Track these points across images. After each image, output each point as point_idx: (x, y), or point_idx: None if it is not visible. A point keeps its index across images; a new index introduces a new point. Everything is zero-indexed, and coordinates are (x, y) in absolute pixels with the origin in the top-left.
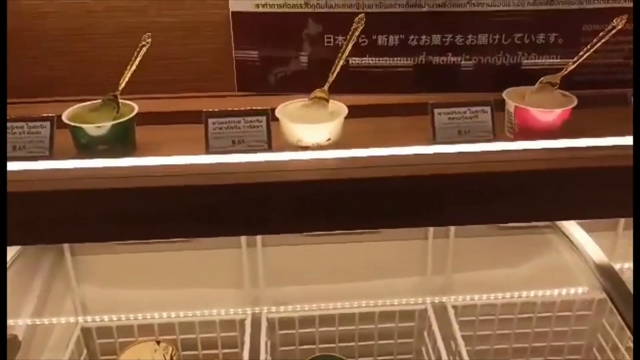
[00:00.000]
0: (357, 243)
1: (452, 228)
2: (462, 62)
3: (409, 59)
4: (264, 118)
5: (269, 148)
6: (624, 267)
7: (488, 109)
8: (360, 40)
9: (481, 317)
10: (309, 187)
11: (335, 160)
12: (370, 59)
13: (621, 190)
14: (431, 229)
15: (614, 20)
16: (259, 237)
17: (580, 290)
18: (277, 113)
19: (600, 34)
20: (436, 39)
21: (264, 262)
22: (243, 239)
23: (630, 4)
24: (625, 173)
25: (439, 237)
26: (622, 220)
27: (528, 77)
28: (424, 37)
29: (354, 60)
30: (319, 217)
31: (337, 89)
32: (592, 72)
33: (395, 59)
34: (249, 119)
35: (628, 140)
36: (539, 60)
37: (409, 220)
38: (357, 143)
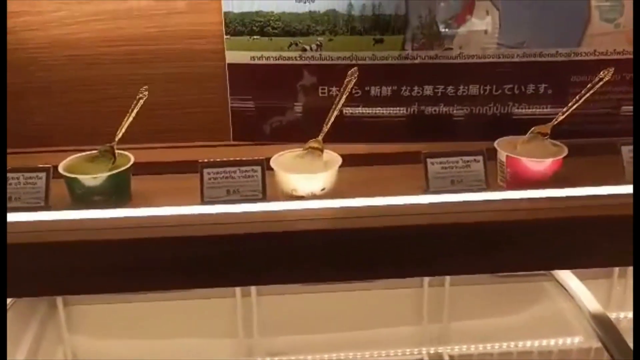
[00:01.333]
0: (351, 292)
1: (448, 276)
2: (454, 112)
3: (401, 109)
4: (259, 168)
5: (264, 198)
6: (620, 316)
7: (480, 158)
8: (353, 91)
9: None
10: (304, 237)
11: (329, 210)
12: (363, 109)
13: (615, 239)
14: (426, 277)
15: (601, 73)
16: (253, 286)
17: (576, 339)
18: (272, 163)
19: (588, 86)
20: (428, 89)
21: (259, 312)
22: (237, 288)
23: (616, 56)
24: (618, 222)
25: (434, 286)
26: (617, 268)
27: (519, 127)
28: (416, 87)
29: (348, 110)
30: (314, 267)
31: (331, 138)
32: (582, 121)
33: (388, 109)
34: (244, 168)
35: (619, 189)
36: (530, 110)
37: (403, 271)
38: (352, 192)
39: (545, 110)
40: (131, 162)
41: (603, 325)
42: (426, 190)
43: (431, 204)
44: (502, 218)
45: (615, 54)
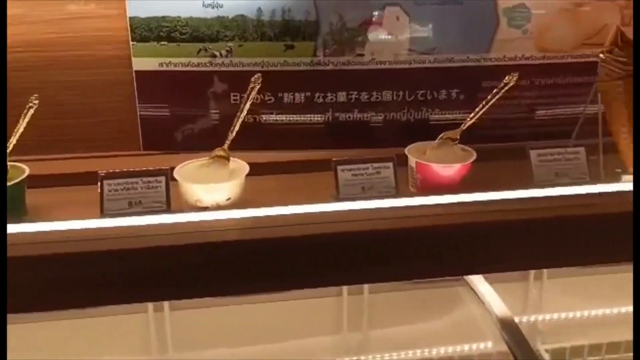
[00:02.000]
0: (268, 303)
1: (366, 284)
2: (369, 119)
3: (315, 115)
4: (163, 178)
5: (168, 209)
6: (531, 318)
7: (390, 164)
8: (266, 98)
9: None
10: (209, 249)
11: (235, 220)
12: (277, 116)
13: (525, 243)
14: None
15: (506, 78)
16: (165, 301)
17: (489, 344)
18: (175, 173)
19: (494, 91)
20: (342, 96)
21: (172, 327)
22: (149, 303)
23: (525, 62)
24: (528, 226)
25: (353, 294)
26: (533, 271)
27: (434, 132)
28: (329, 94)
29: (261, 117)
30: (221, 280)
31: (244, 146)
32: (493, 126)
33: (302, 115)
34: (146, 179)
35: (528, 193)
36: (443, 116)
37: (314, 281)
38: (260, 202)
39: (458, 115)
40: (25, 175)
41: (508, 329)
42: (337, 198)
43: (341, 212)
44: (412, 224)
45: (524, 60)
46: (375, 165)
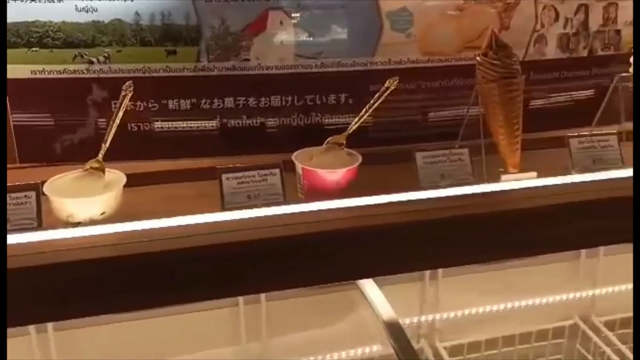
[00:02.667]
0: (159, 318)
1: (263, 293)
2: (258, 124)
3: (203, 122)
4: (32, 193)
5: (39, 226)
6: (429, 318)
7: (277, 171)
8: (150, 105)
9: None
10: (81, 267)
11: (110, 235)
12: (162, 123)
13: (413, 245)
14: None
15: (387, 82)
16: (49, 323)
17: (380, 347)
18: (45, 188)
19: (376, 95)
20: (229, 101)
21: (59, 349)
22: (31, 325)
23: (411, 65)
24: (415, 228)
25: (250, 303)
26: (428, 272)
27: (323, 137)
28: (216, 100)
29: (145, 125)
30: (97, 299)
31: (129, 156)
32: (382, 129)
33: (189, 122)
34: (14, 195)
35: (414, 195)
36: (332, 120)
37: (200, 294)
38: (140, 214)
39: (348, 119)
40: None
41: (394, 332)
42: (222, 207)
43: (226, 222)
44: (299, 231)
45: (409, 63)
46: (262, 172)
